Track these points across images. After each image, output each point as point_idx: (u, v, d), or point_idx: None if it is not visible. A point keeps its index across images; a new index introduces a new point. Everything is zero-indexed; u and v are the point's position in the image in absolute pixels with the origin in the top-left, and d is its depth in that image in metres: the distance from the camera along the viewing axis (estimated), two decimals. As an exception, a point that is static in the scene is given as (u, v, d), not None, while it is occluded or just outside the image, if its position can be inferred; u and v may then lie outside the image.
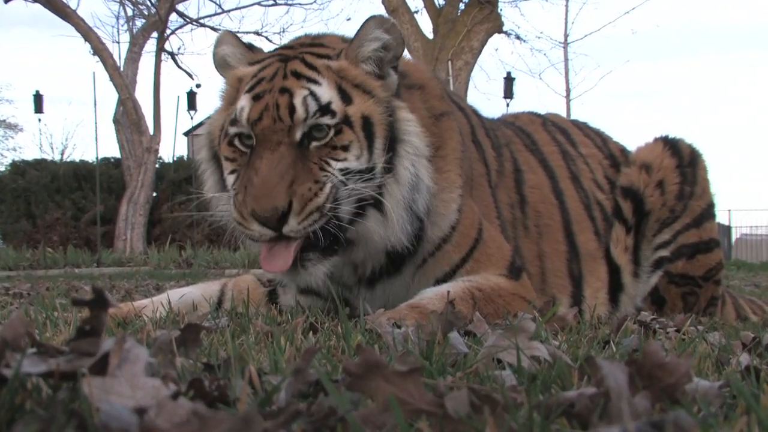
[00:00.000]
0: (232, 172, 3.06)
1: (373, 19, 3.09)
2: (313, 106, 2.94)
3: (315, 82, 3.02)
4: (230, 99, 3.19)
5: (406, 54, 3.81)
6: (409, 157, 3.05)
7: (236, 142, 3.05)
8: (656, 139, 4.40)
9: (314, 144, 2.93)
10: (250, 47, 3.36)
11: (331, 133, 2.95)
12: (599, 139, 4.52)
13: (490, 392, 1.13)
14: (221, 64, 3.32)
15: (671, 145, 4.30)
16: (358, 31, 3.11)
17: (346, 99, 3.02)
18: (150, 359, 1.19)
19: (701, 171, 4.30)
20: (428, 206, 3.14)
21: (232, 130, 3.05)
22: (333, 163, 2.93)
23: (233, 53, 3.29)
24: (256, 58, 3.27)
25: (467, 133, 3.62)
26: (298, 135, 2.92)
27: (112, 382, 1.06)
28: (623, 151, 4.49)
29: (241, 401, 1.02)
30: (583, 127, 4.60)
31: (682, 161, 4.23)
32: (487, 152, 3.72)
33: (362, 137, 2.99)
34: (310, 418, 1.09)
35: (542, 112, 4.70)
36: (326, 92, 2.99)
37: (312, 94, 2.97)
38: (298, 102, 2.94)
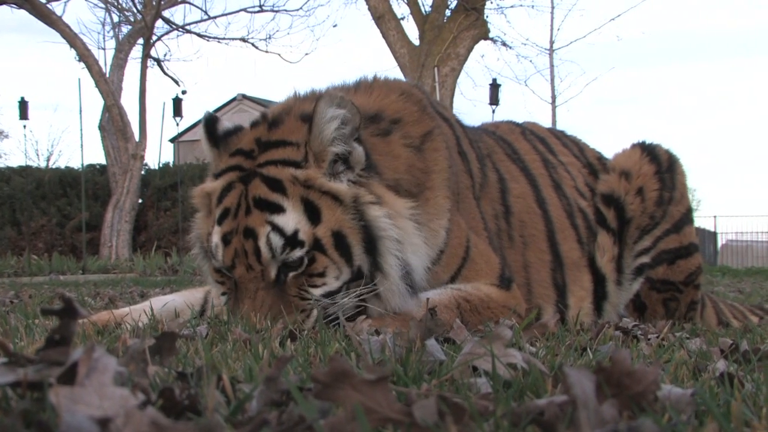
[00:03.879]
0: (223, 294, 3.11)
1: (321, 100, 2.99)
2: (278, 243, 2.89)
3: (279, 209, 2.94)
4: (207, 209, 3.21)
5: (380, 74, 3.74)
6: (390, 251, 2.97)
7: (223, 270, 3.06)
8: (634, 146, 4.41)
9: (291, 274, 2.92)
10: (220, 139, 3.27)
11: (305, 262, 2.91)
12: (576, 148, 4.54)
13: (460, 400, 1.13)
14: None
15: (649, 152, 4.31)
16: (313, 116, 3.00)
17: (314, 217, 2.94)
18: (120, 368, 1.19)
19: (679, 176, 4.32)
20: (423, 263, 3.12)
21: (215, 263, 3.06)
22: (312, 290, 2.93)
23: (205, 149, 3.31)
24: (220, 166, 3.19)
25: (453, 145, 3.61)
26: (272, 274, 2.91)
27: (80, 392, 1.05)
28: (600, 158, 4.51)
29: (209, 409, 1.02)
30: (560, 136, 4.62)
31: (661, 167, 4.25)
32: (472, 163, 3.71)
33: (337, 257, 2.93)
34: (280, 426, 1.09)
35: (520, 121, 4.71)
36: (291, 220, 2.92)
37: (275, 228, 2.91)
38: (262, 244, 2.90)
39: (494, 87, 21.26)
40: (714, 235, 35.17)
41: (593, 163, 4.44)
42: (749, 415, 1.33)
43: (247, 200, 3.00)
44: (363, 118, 3.11)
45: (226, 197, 3.07)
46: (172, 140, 32.54)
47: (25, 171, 23.54)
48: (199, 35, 23.12)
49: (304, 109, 3.17)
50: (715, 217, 35.27)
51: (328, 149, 3.01)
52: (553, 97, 24.29)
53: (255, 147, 3.13)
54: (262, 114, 3.33)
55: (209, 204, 3.17)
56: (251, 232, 2.93)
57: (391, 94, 3.48)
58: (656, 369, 1.15)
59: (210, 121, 3.33)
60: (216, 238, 3.02)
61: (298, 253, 2.89)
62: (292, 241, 2.89)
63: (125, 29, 22.65)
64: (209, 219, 3.15)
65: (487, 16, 20.12)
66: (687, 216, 4.30)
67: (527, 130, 4.49)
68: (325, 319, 2.84)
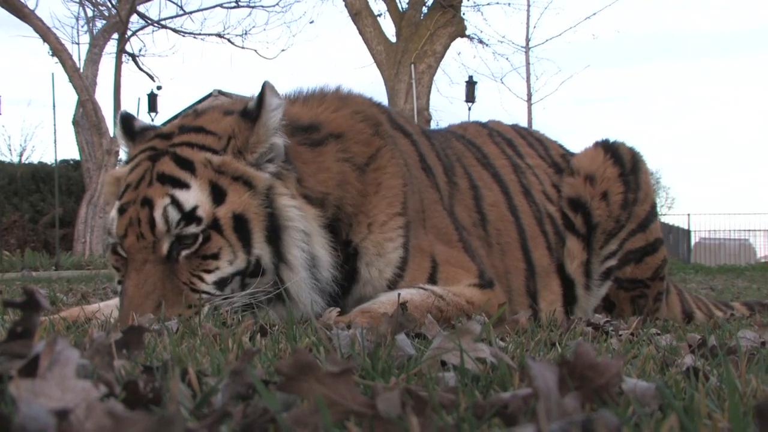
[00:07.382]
0: (119, 282, 2.99)
1: (268, 88, 2.97)
2: (174, 217, 2.82)
3: (182, 185, 2.87)
4: (115, 197, 3.10)
5: (346, 87, 3.56)
6: (296, 243, 2.90)
7: (118, 249, 2.98)
8: (596, 144, 4.38)
9: (183, 253, 2.83)
10: (137, 133, 3.26)
11: (199, 240, 2.83)
12: (542, 148, 4.51)
13: (424, 393, 1.13)
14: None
15: (612, 152, 4.29)
16: (262, 103, 2.97)
17: (218, 197, 2.87)
18: (83, 361, 1.18)
19: (643, 175, 4.32)
20: (333, 276, 3.01)
21: (110, 240, 2.98)
22: (206, 276, 2.83)
23: (122, 143, 3.30)
24: (133, 152, 3.17)
25: (415, 162, 3.53)
26: (164, 248, 2.83)
27: (42, 384, 1.04)
28: (564, 155, 4.49)
29: (171, 402, 1.01)
30: (525, 135, 4.59)
31: (624, 169, 4.23)
32: (438, 177, 3.64)
33: (234, 239, 2.85)
34: (245, 419, 1.09)
35: (485, 120, 4.69)
36: (193, 196, 2.85)
37: (174, 202, 2.84)
38: (157, 215, 2.82)
39: (470, 84, 21.37)
40: (688, 232, 35.50)
41: (558, 162, 4.42)
42: (712, 408, 1.34)
43: (151, 174, 2.94)
44: (293, 127, 3.08)
45: (131, 174, 3.01)
46: (147, 136, 32.32)
47: (-3, 166, 23.32)
48: (174, 30, 22.98)
49: (229, 107, 3.18)
50: (688, 215, 35.61)
51: (270, 139, 2.97)
52: (529, 95, 24.38)
53: (175, 131, 3.11)
54: (194, 108, 3.35)
55: (118, 191, 3.08)
56: (148, 201, 2.86)
57: (342, 109, 3.38)
58: (619, 362, 1.16)
59: (126, 118, 3.33)
60: (114, 211, 2.95)
61: (192, 229, 2.82)
62: (189, 216, 2.83)
63: (100, 24, 22.43)
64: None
65: (463, 14, 20.24)
66: (652, 213, 4.32)
67: (494, 132, 4.46)
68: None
